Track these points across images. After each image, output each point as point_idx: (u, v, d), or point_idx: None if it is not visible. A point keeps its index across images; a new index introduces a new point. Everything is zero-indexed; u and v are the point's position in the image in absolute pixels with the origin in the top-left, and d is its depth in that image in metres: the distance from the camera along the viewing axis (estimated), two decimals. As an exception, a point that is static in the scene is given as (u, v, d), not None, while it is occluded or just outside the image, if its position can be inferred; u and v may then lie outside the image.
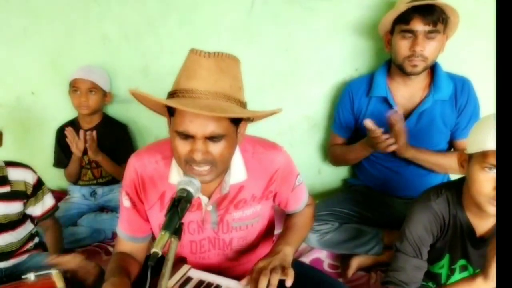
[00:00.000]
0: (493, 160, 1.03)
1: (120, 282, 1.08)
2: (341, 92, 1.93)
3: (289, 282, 1.02)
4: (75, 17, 2.07)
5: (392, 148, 1.59)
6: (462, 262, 1.25)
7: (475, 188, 1.09)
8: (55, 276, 1.30)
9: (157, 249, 0.83)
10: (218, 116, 0.98)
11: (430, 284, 1.35)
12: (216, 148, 1.03)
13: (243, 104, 1.06)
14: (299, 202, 1.35)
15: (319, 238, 1.70)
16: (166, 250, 0.87)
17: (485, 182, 1.06)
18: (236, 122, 1.06)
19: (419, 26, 1.55)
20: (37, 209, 1.65)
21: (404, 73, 1.66)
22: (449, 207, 1.21)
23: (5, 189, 1.52)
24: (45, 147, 2.18)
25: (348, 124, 1.91)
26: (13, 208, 1.55)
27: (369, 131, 1.59)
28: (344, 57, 1.99)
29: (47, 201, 1.66)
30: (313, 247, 1.79)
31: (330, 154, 2.03)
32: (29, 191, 1.58)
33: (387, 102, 1.75)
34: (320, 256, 1.83)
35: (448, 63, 1.74)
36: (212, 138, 1.01)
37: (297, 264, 1.18)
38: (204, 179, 1.04)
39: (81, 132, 1.94)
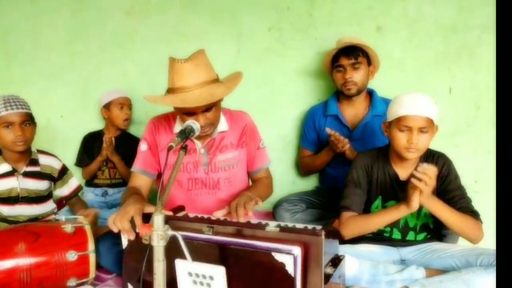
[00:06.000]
0: (404, 122, 1.60)
1: (139, 197, 1.53)
2: (306, 115, 2.51)
3: (242, 215, 1.45)
4: (103, 57, 2.68)
5: (347, 146, 2.13)
6: (392, 202, 1.73)
7: (396, 143, 1.65)
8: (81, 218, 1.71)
9: (172, 143, 1.26)
10: (209, 102, 1.50)
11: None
12: (212, 115, 1.58)
13: (217, 79, 1.60)
14: (263, 162, 1.87)
15: (290, 216, 2.13)
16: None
17: (401, 138, 1.62)
18: None
19: (345, 61, 2.19)
20: (64, 190, 2.09)
21: (345, 96, 2.27)
22: (378, 158, 1.76)
23: (36, 168, 1.99)
24: (67, 160, 2.62)
25: (312, 139, 2.45)
26: (41, 185, 2.00)
27: (329, 135, 2.14)
28: (308, 91, 2.61)
29: (72, 183, 2.11)
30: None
31: (301, 165, 2.54)
32: (55, 174, 2.04)
33: (338, 119, 2.33)
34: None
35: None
36: (207, 110, 1.55)
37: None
38: (206, 133, 1.59)
39: (105, 136, 2.43)
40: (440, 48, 2.44)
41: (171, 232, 1.13)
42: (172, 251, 1.11)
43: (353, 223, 1.66)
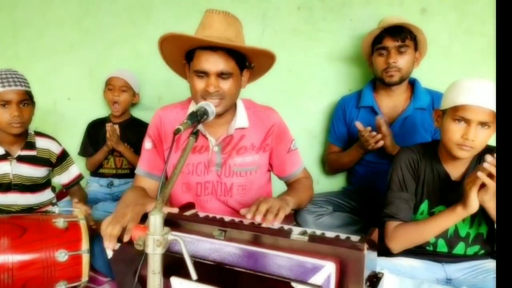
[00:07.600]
0: (461, 113, 1.32)
1: (140, 194, 1.29)
2: (335, 106, 2.24)
3: (270, 221, 1.16)
4: (114, 36, 2.46)
5: (380, 143, 1.83)
6: (441, 208, 1.45)
7: (447, 136, 1.36)
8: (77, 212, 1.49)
9: (180, 126, 1.05)
10: (227, 45, 1.27)
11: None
12: (225, 85, 1.33)
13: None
14: (296, 165, 1.57)
15: (314, 219, 1.86)
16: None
17: (455, 131, 1.34)
18: (241, 67, 1.36)
19: (389, 43, 1.90)
20: (63, 178, 1.88)
21: (384, 84, 1.98)
22: (424, 154, 1.48)
23: (32, 153, 1.77)
24: (73, 148, 2.43)
25: (342, 134, 2.18)
26: (37, 172, 1.79)
27: (359, 131, 1.86)
28: (339, 79, 2.34)
29: (73, 171, 1.90)
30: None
31: (327, 162, 2.27)
32: (53, 160, 1.83)
33: (373, 112, 2.04)
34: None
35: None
36: (222, 74, 1.31)
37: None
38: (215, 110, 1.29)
39: (108, 125, 2.22)
40: (493, 34, 2.12)
41: (171, 237, 0.89)
42: (167, 266, 0.87)
43: (403, 234, 1.40)
